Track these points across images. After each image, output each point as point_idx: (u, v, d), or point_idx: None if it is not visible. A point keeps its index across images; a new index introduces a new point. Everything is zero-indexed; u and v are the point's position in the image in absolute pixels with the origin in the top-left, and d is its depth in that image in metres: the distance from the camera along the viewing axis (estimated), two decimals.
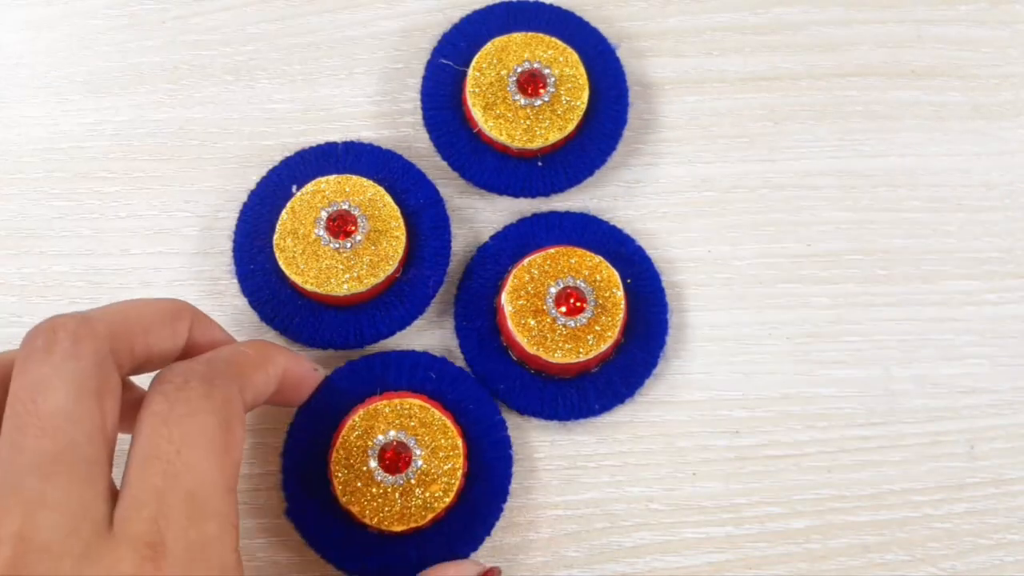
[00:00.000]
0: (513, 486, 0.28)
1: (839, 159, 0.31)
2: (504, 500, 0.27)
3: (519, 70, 0.29)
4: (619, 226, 0.30)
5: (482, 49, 0.30)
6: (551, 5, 0.31)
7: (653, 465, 0.28)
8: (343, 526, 0.26)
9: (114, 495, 0.19)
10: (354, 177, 0.28)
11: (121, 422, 0.21)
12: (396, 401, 0.26)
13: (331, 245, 0.27)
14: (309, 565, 0.27)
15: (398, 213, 0.28)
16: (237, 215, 0.29)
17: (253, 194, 0.29)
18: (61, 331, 0.20)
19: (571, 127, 0.29)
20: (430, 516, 0.26)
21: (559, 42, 0.30)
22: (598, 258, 0.28)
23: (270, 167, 0.30)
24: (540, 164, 0.30)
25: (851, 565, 0.28)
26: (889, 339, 0.30)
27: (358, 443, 0.26)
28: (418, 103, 0.31)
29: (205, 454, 0.19)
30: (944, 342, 0.30)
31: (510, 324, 0.27)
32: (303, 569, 0.27)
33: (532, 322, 0.27)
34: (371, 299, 0.28)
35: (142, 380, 0.24)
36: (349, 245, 0.27)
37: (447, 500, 0.26)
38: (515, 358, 0.28)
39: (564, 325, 0.27)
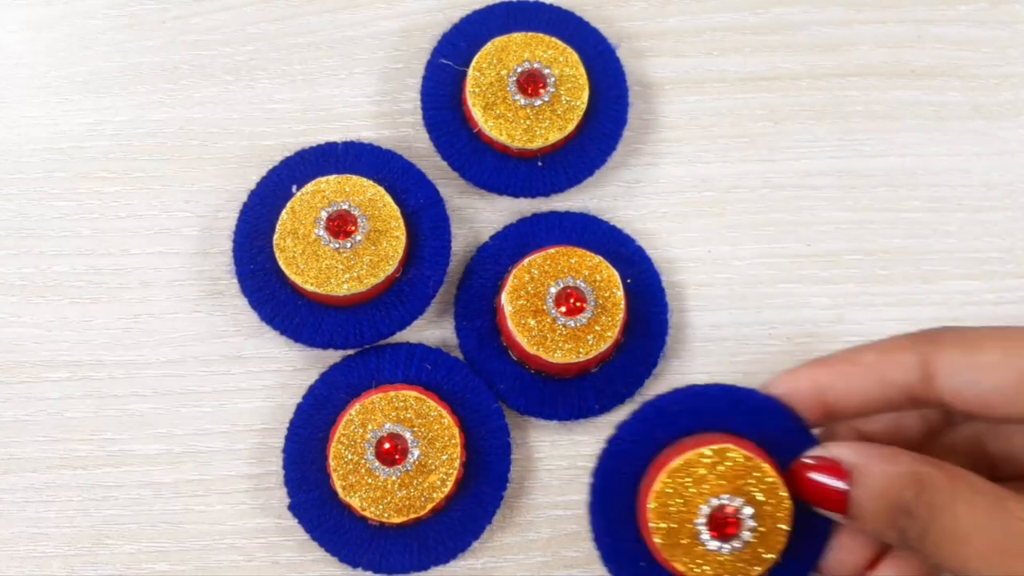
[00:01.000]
0: (512, 486, 0.28)
1: (839, 159, 0.31)
2: (503, 489, 0.27)
3: (519, 70, 0.29)
4: (619, 226, 0.30)
5: (482, 49, 0.30)
6: (551, 5, 0.31)
7: None
8: (344, 519, 0.26)
9: None
10: (354, 177, 0.28)
11: None
12: (392, 393, 0.27)
13: (331, 245, 0.27)
14: (309, 564, 0.27)
15: (398, 213, 0.28)
16: (237, 215, 0.29)
17: (253, 194, 0.29)
18: None
19: (571, 127, 0.29)
20: (429, 506, 0.26)
21: (559, 42, 0.30)
22: (598, 258, 0.28)
23: (270, 167, 0.30)
24: (540, 164, 0.30)
25: None
26: None
27: (355, 436, 0.26)
28: (418, 103, 0.31)
29: None
30: None
31: (510, 324, 0.27)
32: (303, 568, 0.27)
33: (532, 322, 0.27)
34: (371, 299, 0.28)
35: None
36: (349, 245, 0.27)
37: (446, 490, 0.26)
38: (515, 358, 0.28)
39: (564, 325, 0.27)
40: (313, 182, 0.28)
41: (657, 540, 0.23)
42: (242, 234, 0.29)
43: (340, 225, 0.27)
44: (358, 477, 0.26)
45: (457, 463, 0.26)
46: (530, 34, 0.30)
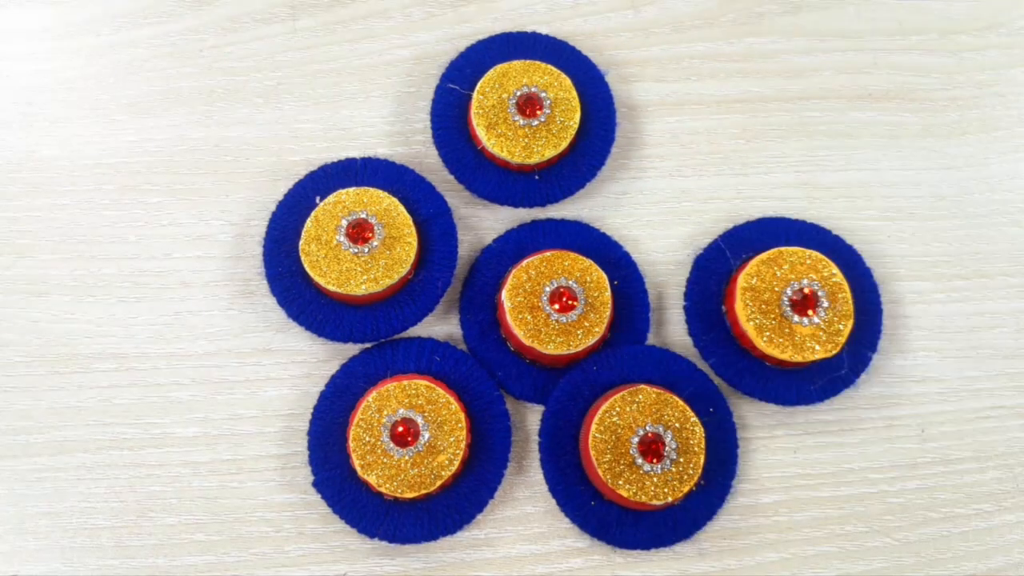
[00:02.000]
0: (512, 465, 0.29)
1: (803, 173, 0.32)
2: (504, 467, 0.28)
3: (518, 93, 0.30)
4: (608, 233, 0.31)
5: (485, 75, 0.31)
6: (547, 36, 0.32)
7: None
8: (362, 495, 0.28)
9: None
10: (371, 189, 0.29)
11: None
12: (405, 382, 0.28)
13: (351, 250, 0.28)
14: (331, 535, 0.28)
15: (411, 221, 0.29)
16: (267, 223, 0.30)
17: (281, 204, 0.30)
18: None
19: (565, 144, 0.30)
20: (438, 483, 0.27)
21: (554, 69, 0.31)
22: (589, 261, 0.29)
23: (296, 180, 0.31)
24: (537, 178, 0.31)
25: (814, 536, 0.29)
26: None
27: (372, 421, 0.27)
28: (428, 123, 0.32)
29: None
30: (897, 336, 0.31)
31: (508, 318, 0.29)
32: (326, 539, 0.28)
33: (528, 317, 0.28)
34: (386, 298, 0.29)
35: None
36: (367, 250, 0.28)
37: (453, 468, 0.27)
38: (512, 348, 0.30)
39: (557, 321, 0.28)
40: (335, 194, 0.29)
41: (602, 473, 0.26)
42: (271, 240, 0.30)
43: (359, 232, 0.29)
44: (375, 457, 0.27)
45: (463, 444, 0.27)
46: (528, 62, 0.31)
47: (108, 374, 0.30)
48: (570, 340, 0.28)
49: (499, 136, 0.30)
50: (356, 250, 0.28)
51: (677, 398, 0.28)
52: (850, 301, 0.29)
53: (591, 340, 0.28)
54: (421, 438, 0.27)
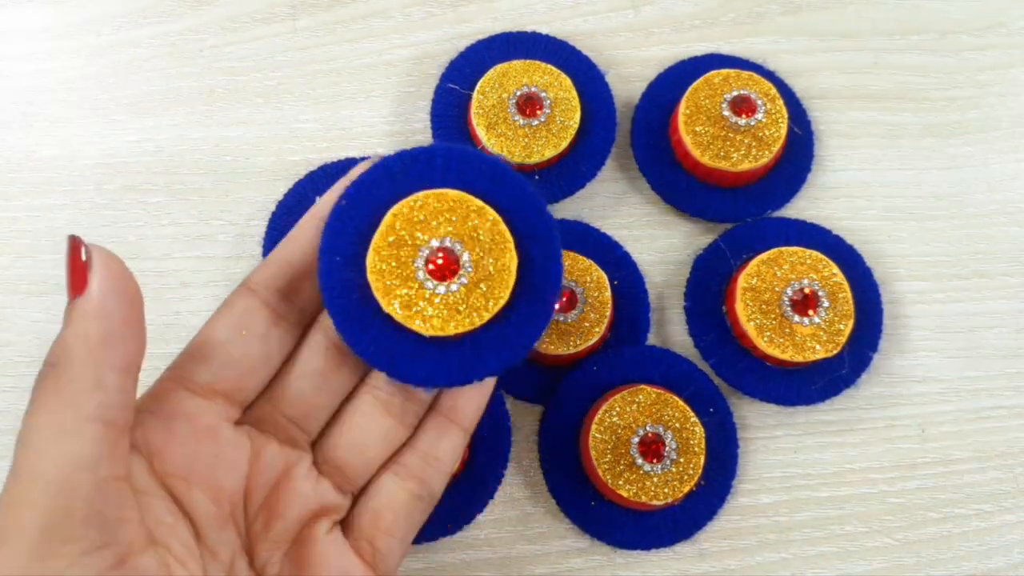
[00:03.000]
0: (512, 464, 0.29)
1: None
2: (504, 467, 0.28)
3: (518, 93, 0.30)
4: (608, 233, 0.31)
5: (485, 75, 0.31)
6: (547, 36, 0.32)
7: None
8: None
9: None
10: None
11: None
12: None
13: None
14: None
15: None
16: (267, 223, 0.30)
17: (281, 204, 0.30)
18: None
19: (565, 144, 0.30)
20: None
21: (554, 68, 0.31)
22: (589, 261, 0.29)
23: (296, 180, 0.31)
24: (537, 178, 0.31)
25: (815, 536, 0.29)
26: None
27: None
28: (428, 123, 0.31)
29: None
30: (898, 336, 0.31)
31: None
32: None
33: None
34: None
35: None
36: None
37: (454, 468, 0.27)
38: None
39: (556, 321, 0.28)
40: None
41: (602, 473, 0.26)
42: (271, 240, 0.30)
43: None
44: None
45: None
46: (528, 61, 0.31)
47: None
48: (570, 340, 0.28)
49: (499, 136, 0.30)
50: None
51: (677, 398, 0.28)
52: (850, 301, 0.28)
53: (591, 340, 0.28)
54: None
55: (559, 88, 0.30)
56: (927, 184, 0.32)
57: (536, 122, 0.30)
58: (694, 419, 0.27)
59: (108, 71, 0.32)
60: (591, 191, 0.32)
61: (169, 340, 0.30)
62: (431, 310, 0.22)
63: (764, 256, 0.29)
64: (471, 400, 0.24)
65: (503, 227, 0.22)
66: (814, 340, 0.28)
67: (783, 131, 0.30)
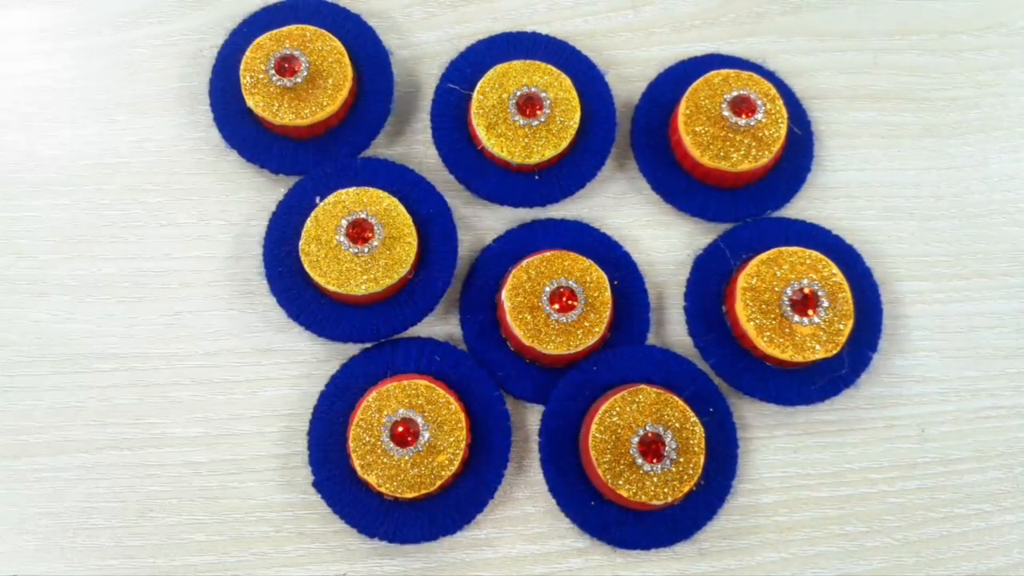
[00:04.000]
0: (512, 465, 0.29)
1: None
2: (504, 467, 0.28)
3: (518, 94, 0.30)
4: (608, 233, 0.31)
5: (485, 75, 0.30)
6: (547, 36, 0.32)
7: None
8: (362, 495, 0.27)
9: None
10: (371, 189, 0.29)
11: None
12: (405, 382, 0.28)
13: (351, 250, 0.28)
14: (331, 535, 0.28)
15: (410, 221, 0.29)
16: (267, 223, 0.30)
17: (281, 204, 0.30)
18: None
19: (565, 144, 0.30)
20: (438, 483, 0.27)
21: (554, 69, 0.31)
22: (588, 261, 0.29)
23: (297, 180, 0.30)
24: (537, 178, 0.31)
25: (815, 535, 0.29)
26: None
27: (372, 420, 0.27)
28: (428, 123, 0.31)
29: None
30: (898, 336, 0.31)
31: (508, 318, 0.28)
32: (326, 539, 0.28)
33: (528, 317, 0.28)
34: (387, 298, 0.29)
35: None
36: (367, 250, 0.28)
37: (453, 468, 0.27)
38: (512, 349, 0.29)
39: (557, 321, 0.28)
40: (335, 194, 0.29)
41: (602, 473, 0.26)
42: (271, 240, 0.30)
43: (359, 232, 0.28)
44: (375, 457, 0.27)
45: (463, 445, 0.27)
46: (528, 62, 0.31)
47: (108, 374, 0.29)
48: (570, 340, 0.28)
49: (499, 136, 0.30)
50: (356, 250, 0.28)
51: (677, 398, 0.27)
52: (850, 301, 0.28)
53: (591, 340, 0.28)
54: (421, 438, 0.27)
55: (559, 88, 0.30)
56: (927, 184, 0.32)
57: (536, 122, 0.30)
58: (694, 419, 0.27)
59: (108, 71, 0.32)
60: (591, 191, 0.31)
61: (169, 340, 0.30)
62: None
63: (764, 256, 0.29)
64: None
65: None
66: (814, 340, 0.28)
67: (783, 131, 0.30)
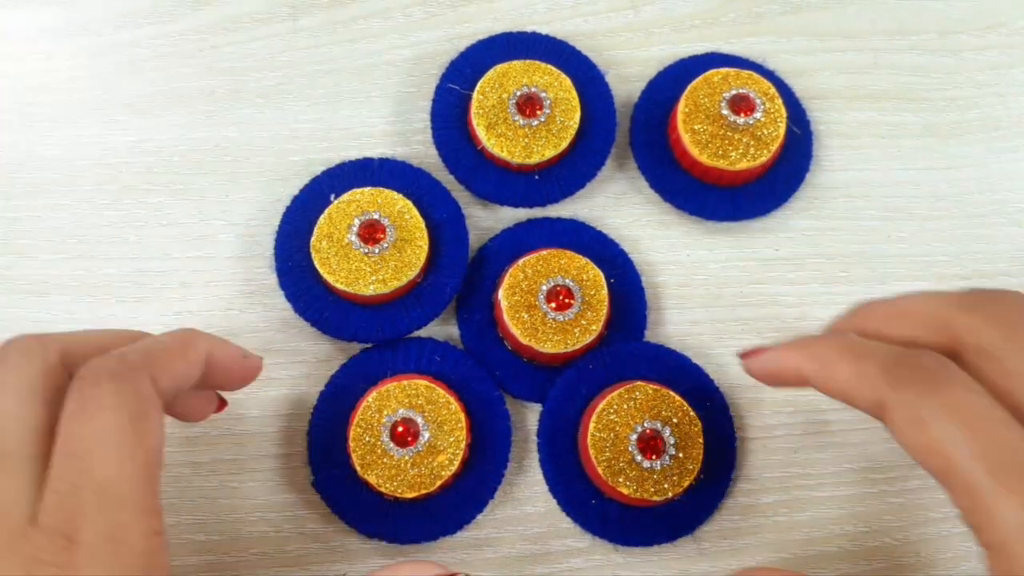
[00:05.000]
0: (512, 465, 0.29)
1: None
2: (504, 467, 0.28)
3: (518, 93, 0.30)
4: (607, 233, 0.31)
5: (485, 75, 0.30)
6: (547, 36, 0.32)
7: None
8: (362, 495, 0.27)
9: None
10: (386, 190, 0.29)
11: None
12: (405, 382, 0.27)
13: (361, 250, 0.28)
14: (331, 535, 0.28)
15: (423, 225, 0.29)
16: (279, 218, 0.30)
17: (296, 199, 0.30)
18: (12, 346, 0.20)
19: (565, 145, 0.30)
20: (438, 483, 0.27)
21: (554, 68, 0.31)
22: (585, 259, 0.29)
23: (305, 178, 0.30)
24: (537, 178, 0.30)
25: (815, 536, 0.29)
26: None
27: (372, 421, 0.27)
28: (428, 123, 0.31)
29: (115, 447, 0.19)
30: None
31: (505, 317, 0.28)
32: (326, 539, 0.28)
33: (525, 316, 0.28)
34: (394, 300, 0.29)
35: None
36: (377, 251, 0.28)
37: (453, 468, 0.27)
38: (510, 348, 0.29)
39: (554, 319, 0.28)
40: (349, 192, 0.29)
41: (601, 471, 0.26)
42: (283, 234, 0.29)
43: (370, 232, 0.28)
44: (375, 457, 0.27)
45: (463, 444, 0.27)
46: (528, 61, 0.30)
47: None
48: (567, 338, 0.28)
49: (499, 136, 0.30)
50: (367, 250, 0.28)
51: (674, 393, 0.27)
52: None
53: (588, 338, 0.28)
54: (421, 438, 0.27)
55: (559, 88, 0.30)
56: (927, 184, 0.32)
57: (536, 122, 0.30)
58: (692, 414, 0.27)
59: (108, 71, 0.32)
60: (591, 191, 0.31)
61: None
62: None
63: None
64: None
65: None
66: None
67: (781, 130, 0.30)
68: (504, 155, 0.30)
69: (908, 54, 0.33)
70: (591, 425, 0.27)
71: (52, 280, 0.30)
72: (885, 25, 0.33)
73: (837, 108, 0.32)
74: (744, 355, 0.24)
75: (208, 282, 0.30)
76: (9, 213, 0.31)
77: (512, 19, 0.33)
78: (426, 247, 0.28)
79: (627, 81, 0.32)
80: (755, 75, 0.30)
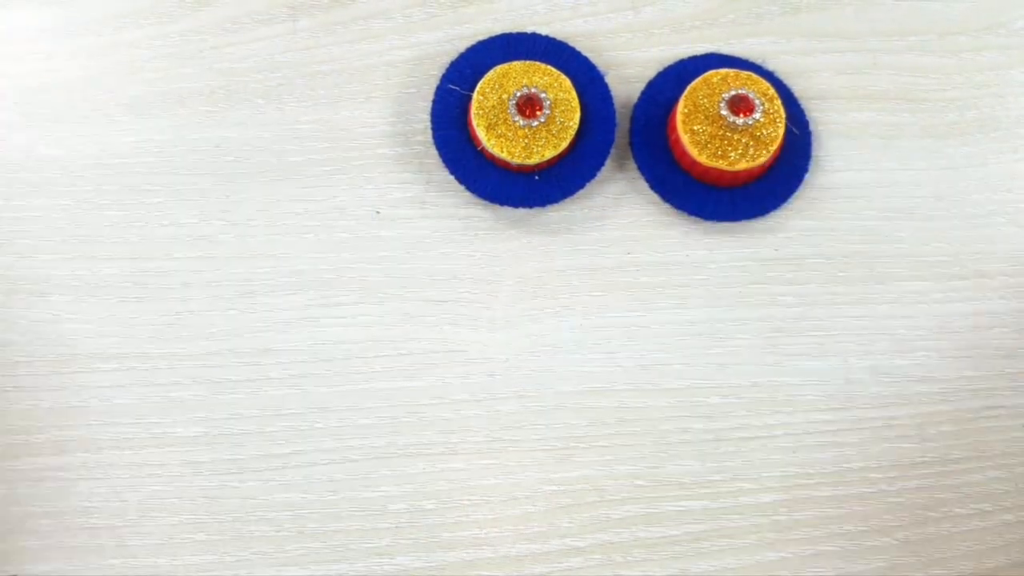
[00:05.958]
0: (512, 464, 0.29)
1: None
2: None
3: (518, 94, 0.30)
4: (607, 233, 0.30)
5: (485, 76, 0.30)
6: (547, 37, 0.32)
7: (638, 445, 0.29)
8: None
9: None
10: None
11: None
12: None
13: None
14: (331, 535, 0.28)
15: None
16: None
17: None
18: None
19: (564, 145, 0.30)
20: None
21: (554, 69, 0.31)
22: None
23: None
24: (537, 178, 0.31)
25: (814, 535, 0.29)
26: (848, 334, 0.31)
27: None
28: (428, 124, 0.31)
29: None
30: (897, 336, 0.31)
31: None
32: (326, 538, 0.28)
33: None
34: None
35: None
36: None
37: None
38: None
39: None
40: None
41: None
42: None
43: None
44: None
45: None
46: (528, 62, 0.31)
47: (109, 374, 0.29)
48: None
49: (499, 136, 0.30)
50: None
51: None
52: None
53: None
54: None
55: (559, 89, 0.30)
56: (927, 184, 0.32)
57: (536, 123, 0.30)
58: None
59: (108, 71, 0.32)
60: (591, 191, 0.31)
61: (169, 340, 0.30)
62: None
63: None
64: None
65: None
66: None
67: (781, 131, 0.30)
68: (504, 155, 0.30)
69: (907, 55, 0.33)
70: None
71: (53, 280, 0.30)
72: (884, 26, 0.33)
73: (836, 108, 0.32)
74: None
75: (208, 282, 0.30)
76: (9, 213, 0.31)
77: (512, 20, 0.33)
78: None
79: (627, 82, 0.32)
80: (754, 76, 0.30)
